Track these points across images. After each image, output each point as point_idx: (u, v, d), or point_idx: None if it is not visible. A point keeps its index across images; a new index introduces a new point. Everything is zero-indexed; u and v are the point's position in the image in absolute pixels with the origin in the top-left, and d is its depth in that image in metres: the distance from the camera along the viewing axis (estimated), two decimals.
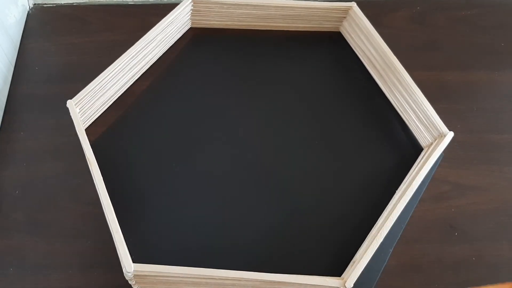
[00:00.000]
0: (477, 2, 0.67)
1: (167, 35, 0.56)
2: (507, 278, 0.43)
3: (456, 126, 0.50)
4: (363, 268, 0.42)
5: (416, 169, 0.48)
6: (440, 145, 0.49)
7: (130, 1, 0.65)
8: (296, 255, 0.46)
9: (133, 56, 0.52)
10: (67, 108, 0.48)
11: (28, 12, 0.63)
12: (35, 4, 0.64)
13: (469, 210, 0.47)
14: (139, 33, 0.53)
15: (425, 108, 0.51)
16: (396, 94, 0.55)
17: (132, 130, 0.53)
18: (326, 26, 0.61)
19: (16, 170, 0.50)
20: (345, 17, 0.59)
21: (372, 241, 0.43)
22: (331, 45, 0.61)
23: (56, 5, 0.64)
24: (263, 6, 0.57)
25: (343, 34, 0.61)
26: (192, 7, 0.57)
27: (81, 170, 0.50)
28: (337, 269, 0.44)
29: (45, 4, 0.64)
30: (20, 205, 0.48)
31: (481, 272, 0.46)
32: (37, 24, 0.62)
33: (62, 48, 0.59)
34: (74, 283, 0.45)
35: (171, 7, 0.55)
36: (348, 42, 0.61)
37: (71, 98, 0.48)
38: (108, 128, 0.52)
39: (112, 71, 0.51)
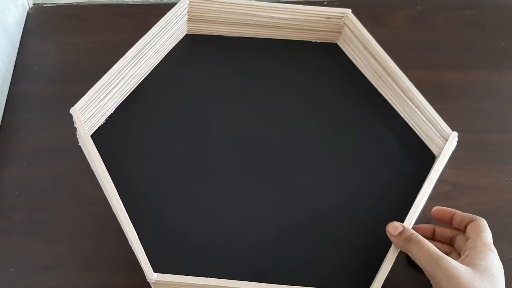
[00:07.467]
0: (477, 2, 0.66)
1: (163, 42, 0.56)
2: (507, 278, 0.42)
3: (456, 126, 0.50)
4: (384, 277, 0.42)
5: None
6: (444, 151, 0.49)
7: (130, 1, 0.65)
8: (313, 265, 0.46)
9: (132, 58, 0.51)
10: (67, 108, 0.47)
11: (28, 12, 0.63)
12: (35, 4, 0.64)
13: (469, 210, 0.47)
14: (139, 33, 0.53)
15: (429, 115, 0.51)
16: (400, 102, 0.54)
17: (135, 135, 0.52)
18: (321, 37, 0.59)
19: (16, 170, 0.50)
20: (342, 28, 0.58)
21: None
22: (328, 55, 0.59)
23: (56, 5, 0.64)
24: (257, 18, 0.56)
25: (339, 45, 0.60)
26: (187, 15, 0.57)
27: (81, 170, 0.50)
28: (353, 279, 0.44)
29: (45, 4, 0.64)
30: (20, 205, 0.48)
31: None
32: (37, 24, 0.62)
33: (62, 48, 0.59)
34: (74, 283, 0.45)
35: (171, 7, 0.55)
36: (346, 52, 0.59)
37: (71, 98, 0.48)
38: (111, 133, 0.52)
39: (112, 75, 0.49)
